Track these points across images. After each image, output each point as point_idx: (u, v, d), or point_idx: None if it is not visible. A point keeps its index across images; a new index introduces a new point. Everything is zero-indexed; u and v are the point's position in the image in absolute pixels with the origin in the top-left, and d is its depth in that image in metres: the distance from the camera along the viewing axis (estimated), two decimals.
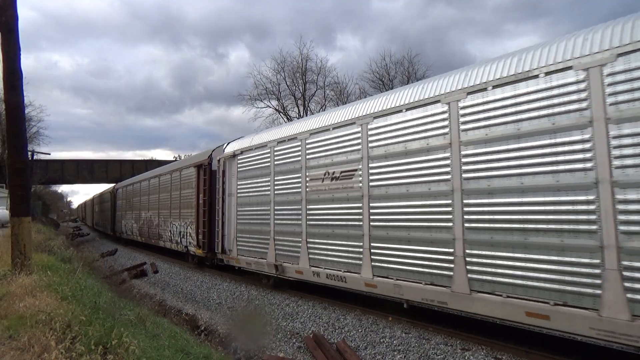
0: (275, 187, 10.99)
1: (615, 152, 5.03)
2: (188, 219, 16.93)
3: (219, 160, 14.08)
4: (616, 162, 5.04)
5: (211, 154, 15.11)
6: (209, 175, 15.09)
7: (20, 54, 8.80)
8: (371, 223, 8.28)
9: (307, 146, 9.91)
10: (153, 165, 42.93)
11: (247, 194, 12.40)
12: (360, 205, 8.49)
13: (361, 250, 8.48)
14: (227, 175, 13.57)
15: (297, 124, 10.81)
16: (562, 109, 5.49)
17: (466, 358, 6.38)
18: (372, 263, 8.21)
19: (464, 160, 6.60)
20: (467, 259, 6.51)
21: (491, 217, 6.23)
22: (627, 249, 4.95)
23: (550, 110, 5.61)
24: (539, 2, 68.98)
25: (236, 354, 7.71)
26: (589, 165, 5.27)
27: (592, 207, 5.24)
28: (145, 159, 53.77)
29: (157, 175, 22.26)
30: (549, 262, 5.57)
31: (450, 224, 6.80)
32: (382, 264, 8.03)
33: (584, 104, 5.29)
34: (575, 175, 5.38)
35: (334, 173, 9.09)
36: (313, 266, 9.64)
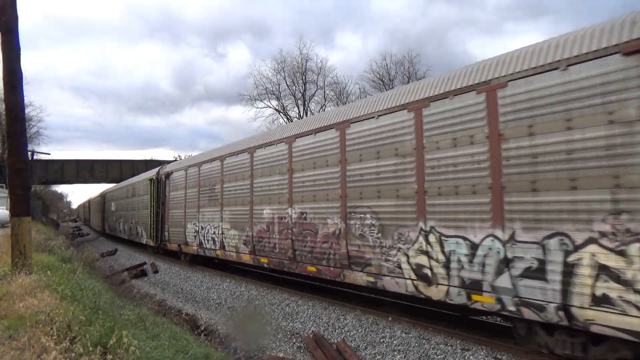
0: None
1: None
2: None
3: None
4: None
5: None
6: None
7: (20, 54, 8.80)
8: None
9: None
10: (153, 165, 42.61)
11: None
12: None
13: None
14: None
15: None
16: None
17: (466, 358, 6.38)
18: None
19: None
20: None
21: None
22: None
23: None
24: (540, 0, 68.99)
25: (236, 354, 7.71)
26: None
27: None
28: (146, 159, 53.64)
29: (342, 122, 8.85)
30: None
31: None
32: None
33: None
34: None
35: None
36: None
